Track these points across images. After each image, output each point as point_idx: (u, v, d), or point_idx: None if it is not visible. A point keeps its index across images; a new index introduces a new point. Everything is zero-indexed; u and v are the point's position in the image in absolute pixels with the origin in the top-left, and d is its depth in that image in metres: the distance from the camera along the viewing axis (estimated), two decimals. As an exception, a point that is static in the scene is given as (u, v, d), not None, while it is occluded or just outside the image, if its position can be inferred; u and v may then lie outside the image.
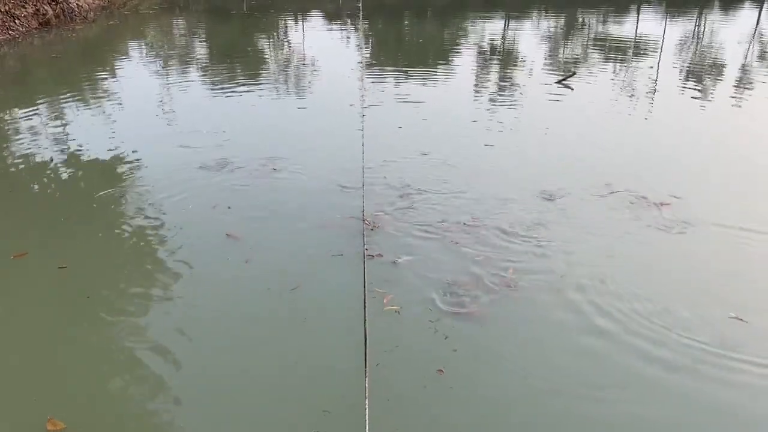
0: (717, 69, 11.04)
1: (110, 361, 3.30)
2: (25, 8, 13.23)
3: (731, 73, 10.64)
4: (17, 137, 6.87)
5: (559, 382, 3.14)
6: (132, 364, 3.26)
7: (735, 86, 9.66)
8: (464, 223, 4.70)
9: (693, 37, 14.71)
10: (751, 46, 13.34)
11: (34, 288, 3.95)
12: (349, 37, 14.78)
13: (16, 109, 7.93)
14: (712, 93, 9.31)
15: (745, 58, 12.01)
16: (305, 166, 5.83)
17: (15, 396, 3.04)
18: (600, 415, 2.98)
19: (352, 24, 16.11)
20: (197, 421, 2.91)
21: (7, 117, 7.66)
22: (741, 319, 3.62)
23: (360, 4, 17.17)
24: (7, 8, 12.74)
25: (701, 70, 10.94)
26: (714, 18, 17.88)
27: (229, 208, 4.98)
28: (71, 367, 3.25)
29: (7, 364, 3.27)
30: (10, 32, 12.48)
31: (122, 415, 2.94)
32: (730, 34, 14.64)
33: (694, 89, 9.56)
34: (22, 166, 6.02)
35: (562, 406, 3.00)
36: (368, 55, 12.54)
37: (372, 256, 4.22)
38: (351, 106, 7.96)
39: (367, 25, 15.65)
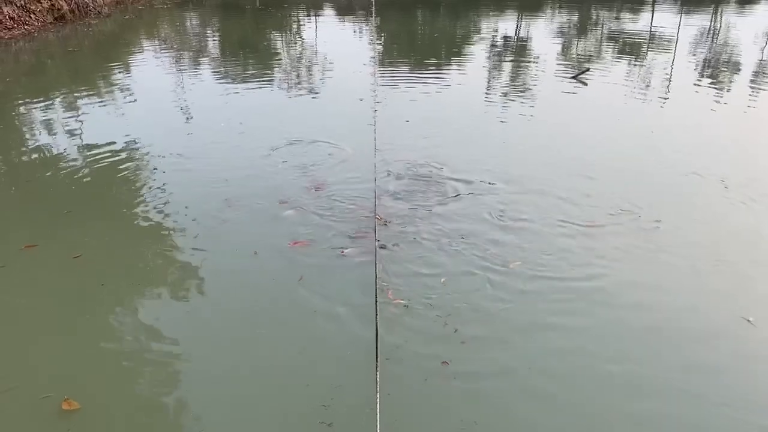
0: (732, 65, 10.92)
1: (124, 346, 3.37)
2: (41, 3, 13.32)
3: (747, 68, 10.51)
4: (36, 129, 6.95)
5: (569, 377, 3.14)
6: (145, 349, 3.33)
7: (751, 82, 9.55)
8: (483, 218, 4.71)
9: (708, 33, 14.56)
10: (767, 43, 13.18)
11: (49, 276, 4.02)
12: (361, 32, 14.77)
13: (34, 102, 8.01)
14: (727, 89, 9.21)
15: (762, 54, 11.87)
16: (316, 159, 5.85)
17: (32, 378, 3.12)
18: (602, 404, 2.98)
19: (364, 19, 16.09)
20: (208, 408, 2.94)
21: (25, 109, 7.73)
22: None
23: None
24: (22, 3, 12.84)
25: (716, 66, 10.83)
26: (730, 14, 17.68)
27: (238, 200, 5.01)
28: (86, 351, 3.32)
29: (25, 347, 3.35)
30: (26, 27, 12.58)
31: (135, 397, 3.02)
32: (747, 30, 14.48)
33: (709, 85, 9.46)
34: (40, 157, 6.07)
35: (573, 400, 3.01)
36: (380, 50, 12.53)
37: (385, 246, 4.23)
38: (361, 100, 7.97)
39: (379, 20, 15.62)
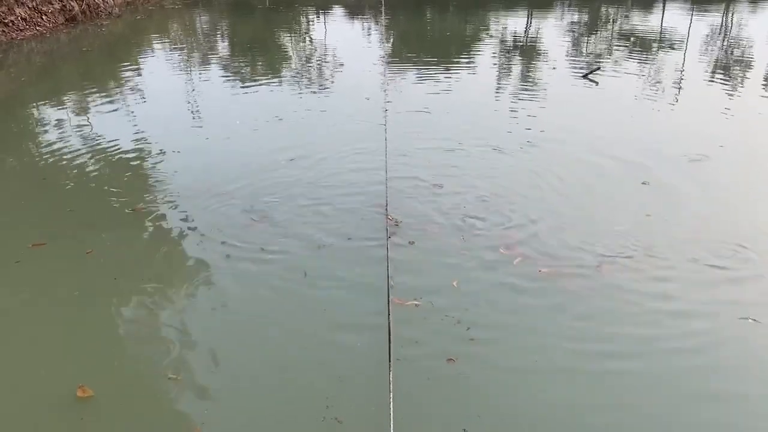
0: (744, 64, 10.85)
1: (136, 336, 3.48)
2: (52, 4, 13.41)
3: (759, 67, 10.43)
4: (49, 129, 7.02)
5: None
6: (156, 340, 3.43)
7: (764, 82, 9.48)
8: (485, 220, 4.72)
9: (720, 31, 14.46)
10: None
11: (64, 270, 4.13)
12: (370, 31, 14.79)
13: (47, 102, 8.07)
14: (739, 88, 9.15)
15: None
16: (328, 159, 5.88)
17: (48, 366, 3.23)
18: (611, 404, 3.00)
19: (374, 18, 16.10)
20: (216, 401, 2.99)
21: (37, 110, 7.80)
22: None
23: (382, -1, 17.16)
24: (34, 4, 12.93)
25: (728, 65, 10.76)
26: (742, 12, 17.53)
27: (249, 198, 5.05)
28: (100, 341, 3.43)
29: (40, 336, 3.45)
30: (37, 28, 12.68)
31: (146, 386, 3.13)
32: (759, 28, 14.37)
33: (721, 83, 9.40)
34: (53, 156, 6.12)
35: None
36: (390, 49, 12.53)
37: (392, 233, 4.25)
38: (367, 99, 7.98)
39: (389, 19, 15.62)
